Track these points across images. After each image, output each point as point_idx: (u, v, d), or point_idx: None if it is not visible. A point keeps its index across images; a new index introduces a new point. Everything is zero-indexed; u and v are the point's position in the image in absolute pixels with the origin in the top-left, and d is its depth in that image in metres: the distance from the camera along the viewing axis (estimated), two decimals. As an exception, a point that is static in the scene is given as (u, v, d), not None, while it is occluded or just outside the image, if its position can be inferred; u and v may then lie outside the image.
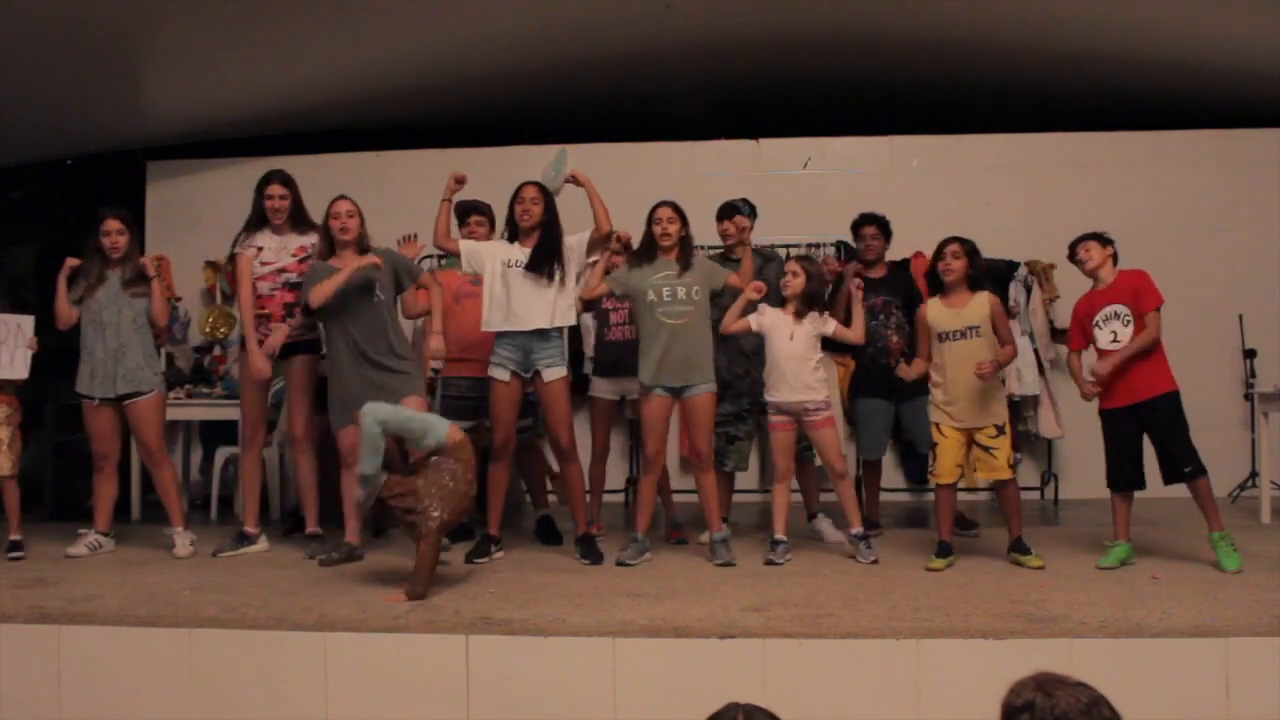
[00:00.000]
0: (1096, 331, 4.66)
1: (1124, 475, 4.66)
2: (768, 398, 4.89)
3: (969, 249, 4.80)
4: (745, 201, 5.45)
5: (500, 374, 4.87)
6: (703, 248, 6.52)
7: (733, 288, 4.94)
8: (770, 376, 4.87)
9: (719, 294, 4.95)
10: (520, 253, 4.87)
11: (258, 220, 5.20)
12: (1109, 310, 4.64)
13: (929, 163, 7.29)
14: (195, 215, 7.32)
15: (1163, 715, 3.33)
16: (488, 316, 4.86)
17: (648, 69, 7.14)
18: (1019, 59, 6.89)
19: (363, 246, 4.98)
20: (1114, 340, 4.61)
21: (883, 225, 5.61)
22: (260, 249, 5.16)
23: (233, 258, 5.27)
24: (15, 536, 5.11)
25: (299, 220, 5.22)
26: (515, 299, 4.81)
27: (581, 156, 7.31)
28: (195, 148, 7.54)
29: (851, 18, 6.47)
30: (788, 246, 6.63)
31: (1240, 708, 3.43)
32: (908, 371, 4.88)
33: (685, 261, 4.85)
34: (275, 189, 5.18)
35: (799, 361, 4.79)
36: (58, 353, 5.55)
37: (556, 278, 4.83)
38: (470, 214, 5.52)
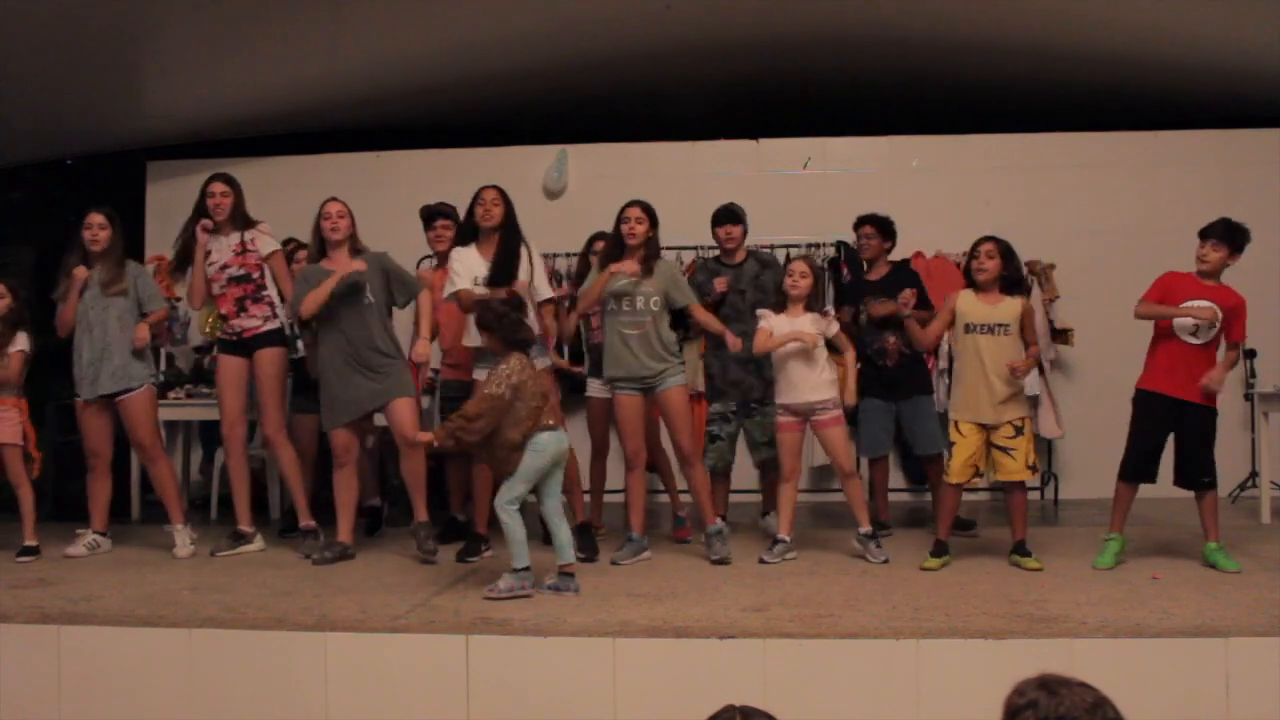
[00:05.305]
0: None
1: (1140, 466, 4.60)
2: (777, 400, 4.89)
3: (1004, 249, 4.76)
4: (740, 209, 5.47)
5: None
6: (699, 249, 6.57)
7: (697, 322, 4.95)
8: (778, 379, 4.86)
9: (681, 309, 4.95)
10: (482, 266, 4.88)
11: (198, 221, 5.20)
12: (1203, 304, 4.55)
13: (929, 163, 7.29)
14: (195, 215, 7.33)
15: (1163, 715, 3.33)
16: (470, 333, 4.87)
17: (648, 69, 7.14)
18: (1019, 59, 6.88)
19: (354, 247, 5.00)
20: (1193, 333, 4.54)
21: (881, 225, 5.60)
22: (208, 252, 5.16)
23: (181, 258, 5.24)
24: (30, 542, 5.11)
25: (237, 217, 5.20)
26: None
27: (581, 156, 7.40)
28: (195, 148, 7.54)
29: (852, 18, 6.46)
30: (787, 246, 6.64)
31: (1240, 708, 3.43)
32: (880, 308, 5.00)
33: (648, 265, 4.85)
34: (217, 187, 5.19)
35: (806, 362, 4.78)
36: (58, 353, 5.55)
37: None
38: (436, 218, 5.54)
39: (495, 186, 5.00)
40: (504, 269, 4.84)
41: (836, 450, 4.85)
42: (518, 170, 7.12)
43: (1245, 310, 4.61)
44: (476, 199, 4.95)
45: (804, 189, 7.21)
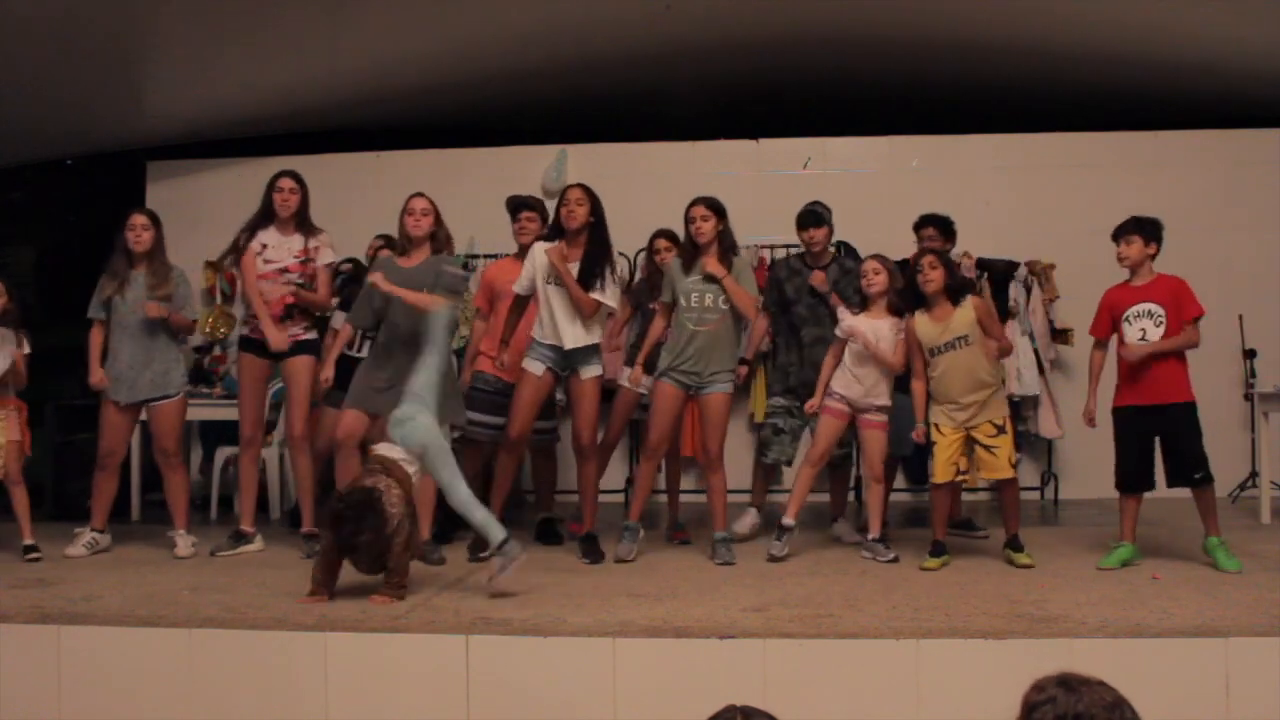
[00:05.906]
0: (1125, 326, 4.60)
1: (1133, 477, 4.62)
2: (835, 386, 4.88)
3: (944, 259, 4.78)
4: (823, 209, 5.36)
5: (535, 368, 4.90)
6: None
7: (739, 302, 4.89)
8: (847, 369, 4.85)
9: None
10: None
11: (264, 217, 5.17)
12: (1142, 308, 4.57)
13: (929, 163, 7.29)
14: (195, 215, 7.31)
15: (1163, 715, 3.32)
16: (538, 325, 4.92)
17: (648, 69, 7.15)
18: (1019, 59, 6.88)
19: (436, 245, 5.00)
20: (1142, 338, 4.55)
21: (943, 226, 5.55)
22: (265, 246, 5.13)
23: (235, 252, 5.20)
24: (28, 541, 5.08)
25: (304, 221, 5.19)
26: (559, 316, 4.85)
27: (582, 156, 7.40)
28: (195, 148, 7.54)
29: (851, 17, 6.47)
30: (788, 247, 6.63)
31: (1240, 708, 3.43)
32: (921, 408, 4.81)
33: (726, 261, 4.81)
34: (286, 182, 5.17)
35: (876, 364, 4.81)
36: (57, 353, 5.55)
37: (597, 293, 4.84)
38: (521, 209, 5.48)
39: (581, 186, 4.98)
40: (589, 272, 4.83)
41: (875, 452, 4.90)
42: (518, 170, 7.12)
43: (1188, 288, 4.59)
44: (561, 199, 4.94)
45: (804, 189, 7.14)
